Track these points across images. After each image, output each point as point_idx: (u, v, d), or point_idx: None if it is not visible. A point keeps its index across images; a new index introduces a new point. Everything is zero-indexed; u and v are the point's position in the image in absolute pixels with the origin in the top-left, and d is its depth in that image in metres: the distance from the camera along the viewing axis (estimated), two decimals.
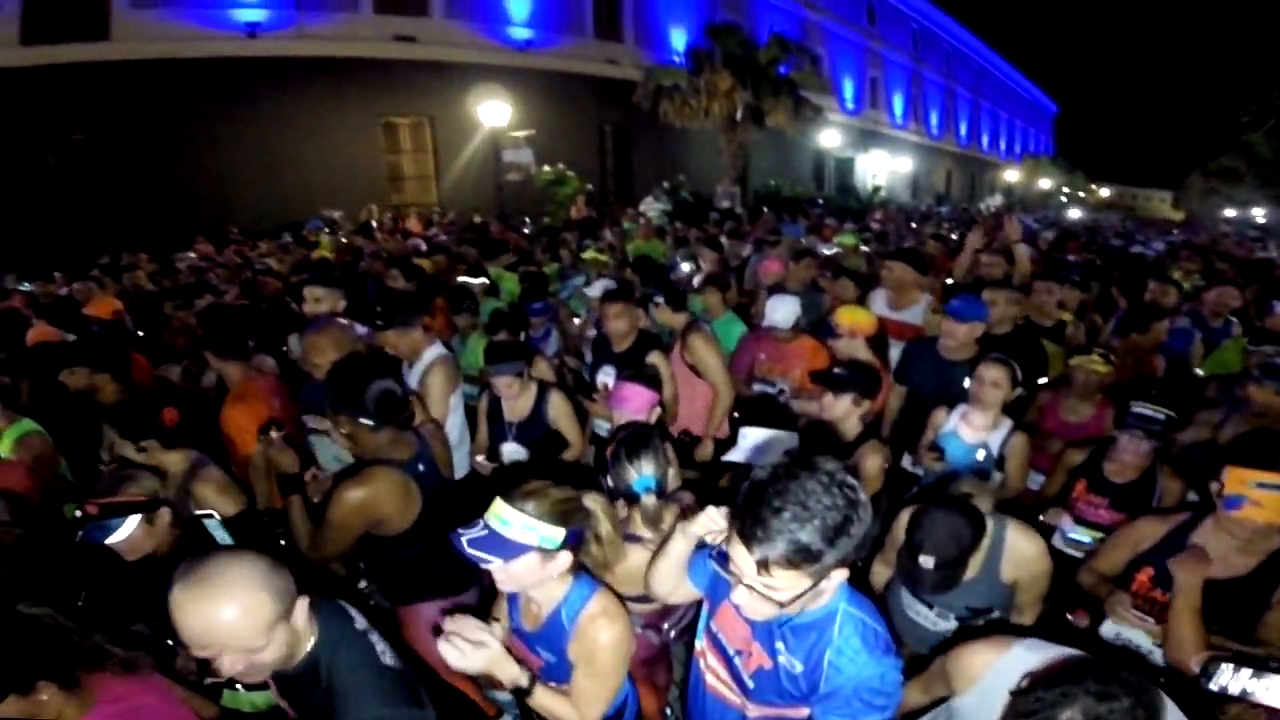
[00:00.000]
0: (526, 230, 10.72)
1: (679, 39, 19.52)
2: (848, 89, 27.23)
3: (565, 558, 1.53)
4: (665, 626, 2.12)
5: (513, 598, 1.73)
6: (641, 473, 1.93)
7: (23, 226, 11.34)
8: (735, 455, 2.47)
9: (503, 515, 1.47)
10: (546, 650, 1.64)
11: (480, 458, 3.14)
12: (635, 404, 2.50)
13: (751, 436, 2.46)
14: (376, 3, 14.47)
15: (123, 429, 2.31)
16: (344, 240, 8.86)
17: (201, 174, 12.83)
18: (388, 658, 1.43)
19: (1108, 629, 2.15)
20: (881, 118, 29.63)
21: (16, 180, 11.62)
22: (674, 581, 1.62)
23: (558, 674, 1.62)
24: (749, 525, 1.17)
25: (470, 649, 1.45)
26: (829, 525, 1.14)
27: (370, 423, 2.08)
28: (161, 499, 1.96)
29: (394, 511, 2.13)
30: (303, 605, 1.30)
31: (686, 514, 1.67)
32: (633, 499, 1.95)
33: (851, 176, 27.40)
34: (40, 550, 2.03)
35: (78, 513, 1.87)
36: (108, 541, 1.83)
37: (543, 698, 1.59)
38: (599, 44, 18.12)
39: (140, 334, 4.87)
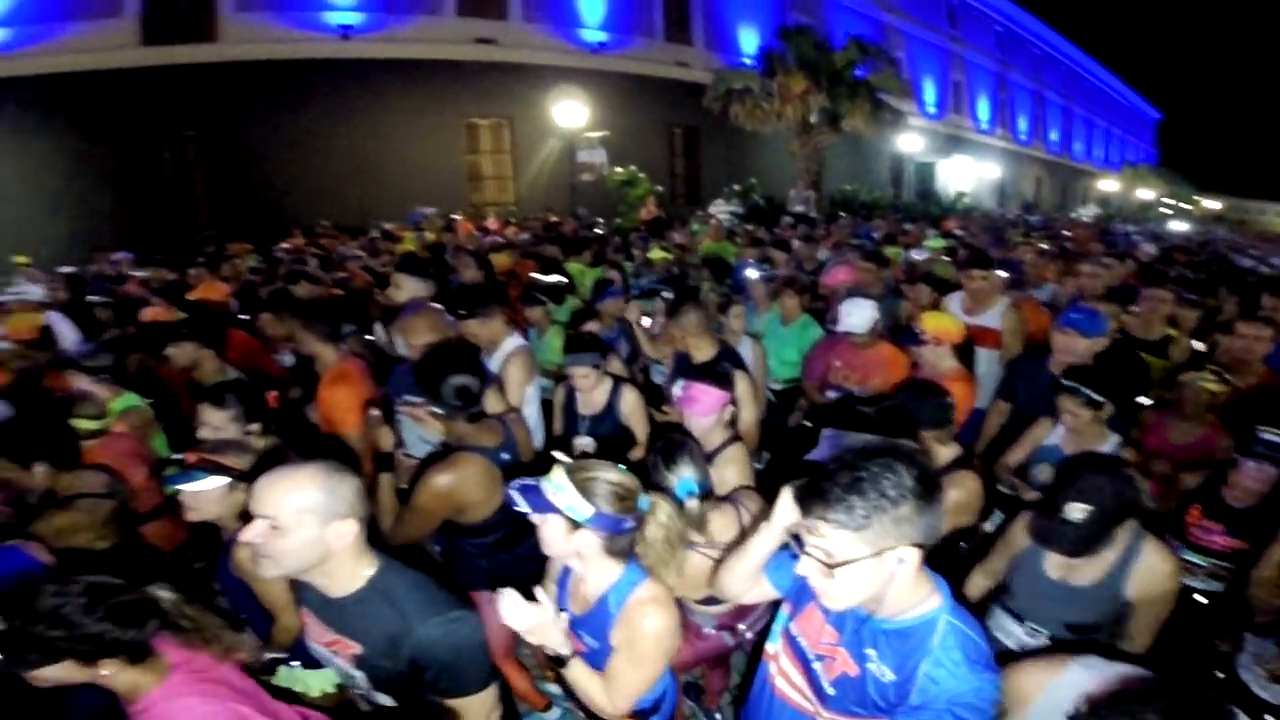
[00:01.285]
0: (599, 230, 10.84)
1: (750, 42, 19.22)
2: (929, 93, 26.21)
3: (589, 537, 1.53)
4: (741, 627, 2.09)
5: (562, 581, 1.74)
6: (681, 476, 1.92)
7: (141, 216, 12.23)
8: (818, 455, 2.42)
9: (553, 475, 1.54)
10: (590, 635, 1.64)
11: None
12: (705, 404, 2.39)
13: (836, 437, 2.41)
14: (458, 6, 14.88)
15: (246, 408, 2.41)
16: (429, 236, 9.18)
17: (297, 170, 13.47)
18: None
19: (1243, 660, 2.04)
20: (965, 122, 28.37)
21: (136, 173, 12.53)
22: (749, 582, 1.58)
23: (597, 661, 1.62)
24: (802, 493, 1.23)
25: (525, 606, 1.50)
26: (880, 488, 1.16)
27: (441, 411, 2.15)
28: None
29: (479, 499, 2.19)
30: (352, 529, 1.39)
31: (765, 513, 1.64)
32: (677, 506, 1.94)
33: (932, 182, 26.36)
34: (132, 522, 2.15)
35: (174, 456, 1.95)
36: (176, 487, 1.87)
37: (578, 671, 1.61)
38: (669, 46, 18.07)
39: (244, 318, 5.20)
